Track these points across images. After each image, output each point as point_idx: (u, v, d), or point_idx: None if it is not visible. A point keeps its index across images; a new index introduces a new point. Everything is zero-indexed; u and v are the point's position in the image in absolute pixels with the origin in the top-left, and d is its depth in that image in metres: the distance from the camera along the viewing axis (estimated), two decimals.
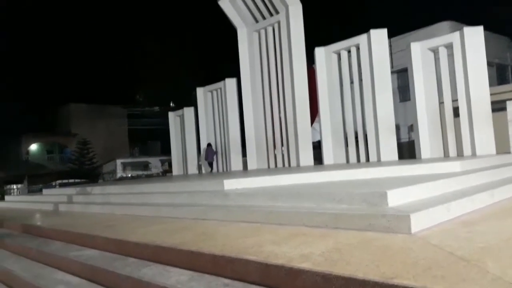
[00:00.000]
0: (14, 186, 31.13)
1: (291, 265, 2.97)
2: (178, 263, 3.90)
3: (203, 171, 18.16)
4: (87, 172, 36.22)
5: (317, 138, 14.29)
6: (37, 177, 33.03)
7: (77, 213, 9.44)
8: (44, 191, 17.05)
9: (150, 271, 3.85)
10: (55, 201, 11.57)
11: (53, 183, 29.13)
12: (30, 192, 27.54)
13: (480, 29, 9.74)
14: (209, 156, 17.10)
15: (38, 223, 8.43)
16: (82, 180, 30.69)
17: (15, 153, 43.21)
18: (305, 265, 2.92)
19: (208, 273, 3.56)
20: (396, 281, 2.41)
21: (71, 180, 29.87)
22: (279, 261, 3.11)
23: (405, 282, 2.38)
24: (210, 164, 17.29)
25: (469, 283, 2.30)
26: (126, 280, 3.83)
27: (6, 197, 21.15)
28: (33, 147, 44.96)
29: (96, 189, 11.42)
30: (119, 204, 8.61)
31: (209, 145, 17.29)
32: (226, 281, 3.33)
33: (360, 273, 2.62)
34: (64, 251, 5.49)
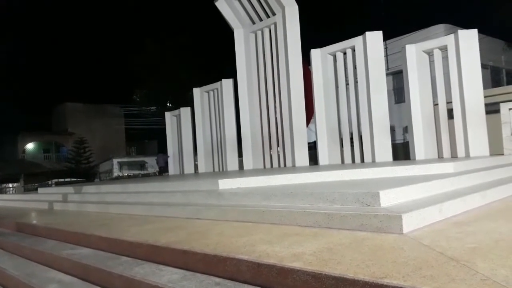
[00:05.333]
0: (10, 185, 31.11)
1: (283, 265, 2.98)
2: (171, 262, 3.91)
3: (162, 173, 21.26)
4: (83, 171, 36.14)
5: (313, 139, 14.33)
6: (33, 176, 32.95)
7: (72, 212, 9.42)
8: (40, 190, 17.02)
9: (142, 270, 3.86)
10: (50, 200, 11.53)
11: (49, 182, 29.03)
12: (26, 191, 27.46)
13: (474, 32, 9.78)
14: (160, 161, 20.70)
15: (33, 222, 8.40)
16: (79, 179, 30.63)
17: (11, 151, 43.03)
18: (296, 265, 2.93)
19: (200, 272, 3.57)
20: (386, 281, 2.42)
21: (68, 179, 29.79)
22: (271, 260, 3.12)
23: (394, 282, 2.39)
24: (161, 168, 20.76)
25: (458, 283, 2.31)
26: (118, 279, 3.83)
27: (1, 196, 21.08)
28: (30, 146, 44.80)
29: (91, 188, 11.39)
30: (114, 203, 8.60)
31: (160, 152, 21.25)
32: (218, 280, 3.34)
33: (351, 273, 2.63)
34: (58, 249, 5.49)
